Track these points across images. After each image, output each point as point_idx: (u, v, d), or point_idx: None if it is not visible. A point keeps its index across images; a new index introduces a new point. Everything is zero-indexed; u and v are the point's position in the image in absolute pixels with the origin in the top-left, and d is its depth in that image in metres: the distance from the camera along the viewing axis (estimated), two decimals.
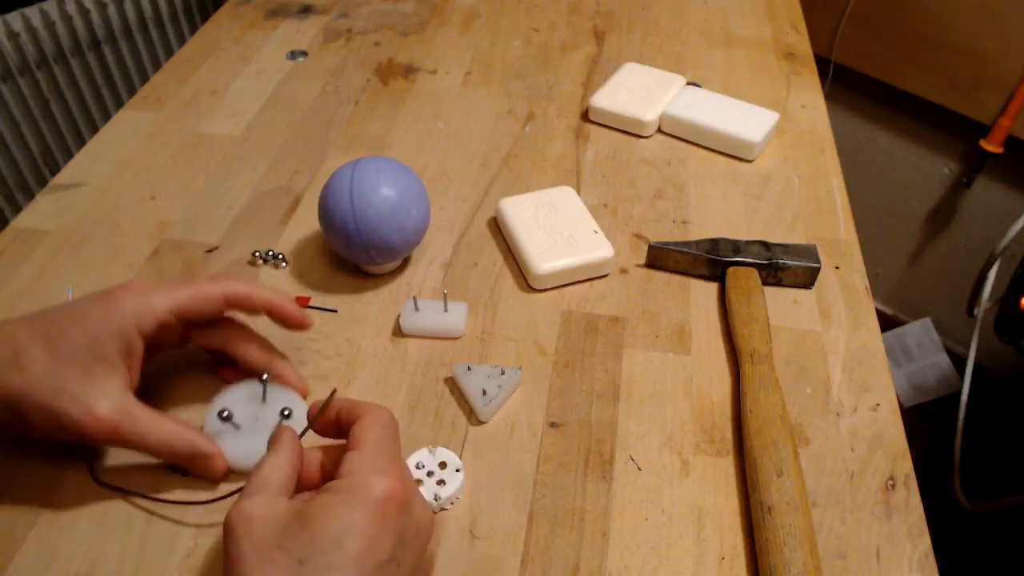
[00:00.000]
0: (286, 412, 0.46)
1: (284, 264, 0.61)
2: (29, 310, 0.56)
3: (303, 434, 0.45)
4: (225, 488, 0.46)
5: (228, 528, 0.34)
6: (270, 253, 0.61)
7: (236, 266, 0.61)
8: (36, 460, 0.48)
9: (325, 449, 0.40)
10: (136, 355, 0.44)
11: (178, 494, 0.46)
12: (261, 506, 0.34)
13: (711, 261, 0.60)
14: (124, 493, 0.46)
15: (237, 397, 0.49)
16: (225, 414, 0.45)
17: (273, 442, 0.39)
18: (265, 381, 0.46)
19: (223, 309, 0.47)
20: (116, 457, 0.48)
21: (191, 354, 0.54)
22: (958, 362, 1.64)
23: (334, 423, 0.40)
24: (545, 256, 0.59)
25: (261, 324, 0.53)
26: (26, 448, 0.48)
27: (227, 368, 0.51)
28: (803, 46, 0.90)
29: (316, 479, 0.40)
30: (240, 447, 0.46)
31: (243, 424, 0.47)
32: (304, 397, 0.49)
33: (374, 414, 0.39)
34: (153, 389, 0.52)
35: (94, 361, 0.42)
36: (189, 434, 0.44)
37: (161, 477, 0.47)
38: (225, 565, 0.34)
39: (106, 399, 0.42)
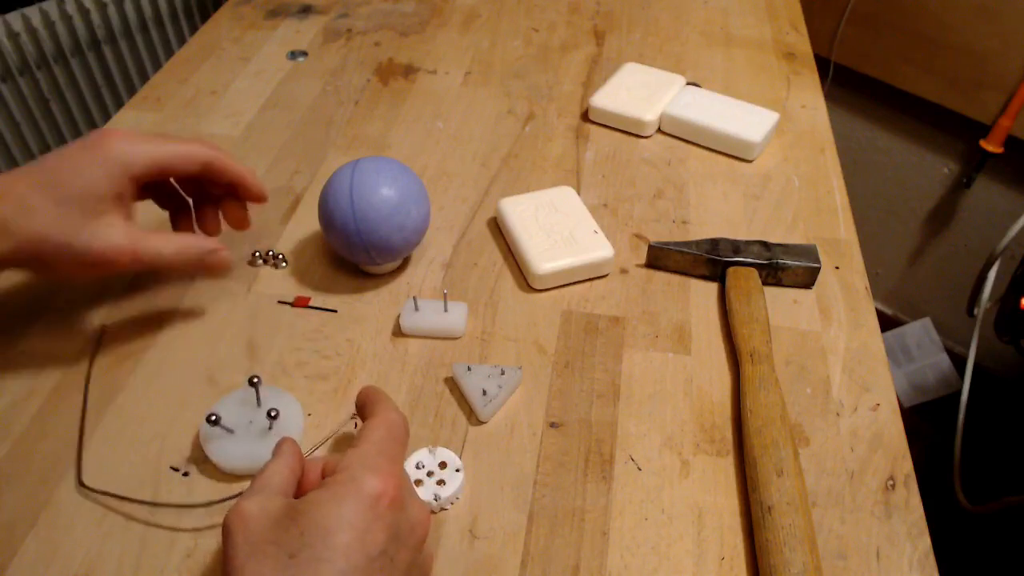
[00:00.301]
0: (272, 414, 0.46)
1: (284, 264, 0.61)
2: (30, 310, 0.57)
3: (314, 451, 0.47)
4: (222, 493, 0.46)
5: (225, 528, 0.34)
6: (270, 253, 0.61)
7: (236, 266, 0.61)
8: (36, 460, 0.48)
9: (330, 457, 0.41)
10: (128, 196, 0.49)
11: (176, 497, 0.46)
12: (256, 504, 0.35)
13: (711, 261, 0.60)
14: (115, 498, 0.46)
15: (230, 403, 0.49)
16: (213, 418, 0.45)
17: (275, 450, 0.40)
18: (257, 385, 0.46)
19: (199, 172, 0.51)
20: (114, 458, 0.48)
21: (186, 358, 0.54)
22: (958, 362, 1.64)
23: (362, 408, 0.43)
24: (545, 256, 0.59)
25: (260, 330, 0.53)
26: (26, 448, 0.48)
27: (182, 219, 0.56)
28: (803, 46, 0.90)
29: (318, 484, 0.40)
30: (234, 451, 0.46)
31: (237, 429, 0.47)
32: (258, 200, 0.55)
33: (384, 415, 0.40)
34: (147, 396, 0.52)
35: (96, 202, 0.46)
36: (196, 238, 0.52)
37: (161, 477, 0.47)
38: (222, 564, 0.34)
39: (117, 231, 0.47)
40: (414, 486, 0.42)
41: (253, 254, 0.61)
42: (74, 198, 0.46)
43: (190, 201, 0.56)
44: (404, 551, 0.36)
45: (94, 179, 0.47)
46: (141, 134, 0.49)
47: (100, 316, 0.56)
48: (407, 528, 0.36)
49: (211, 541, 0.44)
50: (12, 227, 0.45)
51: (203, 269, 0.54)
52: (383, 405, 0.42)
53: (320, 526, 0.33)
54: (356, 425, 0.45)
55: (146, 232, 0.49)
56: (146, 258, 0.49)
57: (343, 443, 0.49)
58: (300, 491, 0.39)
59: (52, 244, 0.46)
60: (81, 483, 0.46)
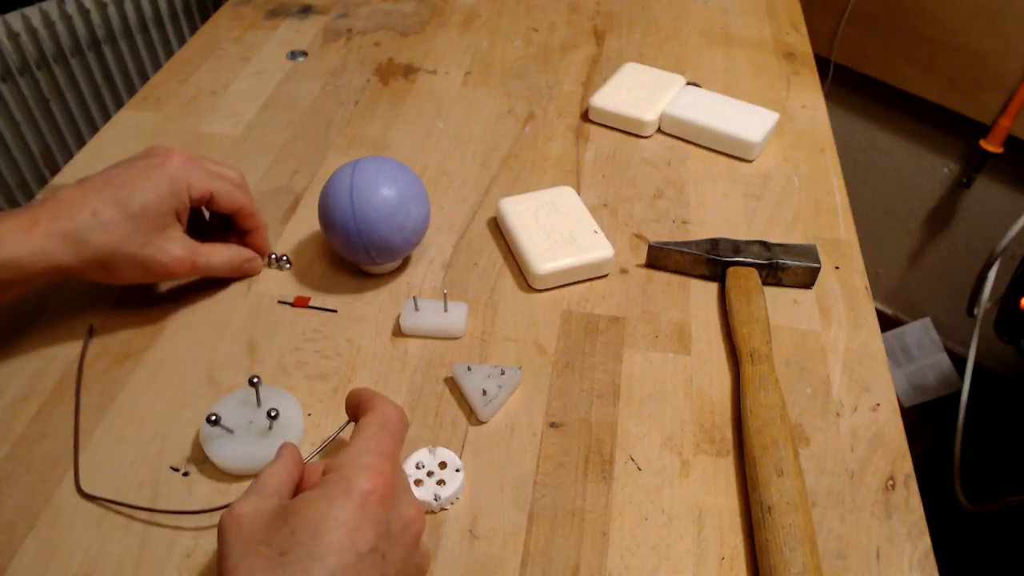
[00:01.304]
0: (272, 414, 0.46)
1: (288, 265, 0.61)
2: (30, 309, 0.57)
3: (315, 455, 0.47)
4: (222, 493, 0.46)
5: (219, 529, 0.35)
6: (272, 256, 0.61)
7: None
8: (36, 460, 0.48)
9: (330, 460, 0.41)
10: (185, 211, 0.53)
11: (176, 499, 0.46)
12: (250, 506, 0.35)
13: (711, 261, 0.60)
14: (113, 505, 0.46)
15: (230, 403, 0.49)
16: (213, 418, 0.45)
17: (276, 454, 0.41)
18: (257, 385, 0.46)
19: (229, 211, 0.56)
20: (114, 458, 0.48)
21: (186, 358, 0.54)
22: (958, 362, 1.64)
23: (352, 410, 0.43)
24: (545, 256, 0.59)
25: (260, 330, 0.53)
26: (26, 448, 0.48)
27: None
28: (803, 46, 0.90)
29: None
30: (234, 451, 0.46)
31: (237, 429, 0.47)
32: (262, 254, 0.60)
33: (379, 410, 0.40)
34: (147, 396, 0.52)
35: (162, 217, 0.51)
36: (238, 248, 0.58)
37: (161, 477, 0.47)
38: (217, 565, 0.34)
39: (178, 243, 0.52)
40: (411, 484, 0.42)
41: (269, 256, 0.61)
42: (143, 214, 0.50)
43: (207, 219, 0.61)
44: (396, 548, 0.36)
45: (160, 196, 0.51)
46: (198, 159, 0.54)
47: (100, 316, 0.56)
48: (399, 525, 0.36)
49: (211, 541, 0.44)
50: (88, 238, 0.49)
51: (241, 274, 0.59)
52: (377, 399, 0.42)
53: (310, 524, 0.33)
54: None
55: (200, 244, 0.54)
56: (201, 268, 0.55)
57: (342, 447, 0.49)
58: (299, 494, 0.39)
59: (122, 255, 0.50)
60: (80, 491, 0.46)
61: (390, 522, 0.36)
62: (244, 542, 0.34)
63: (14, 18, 1.13)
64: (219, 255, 0.56)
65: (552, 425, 0.51)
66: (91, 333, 0.55)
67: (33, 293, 0.58)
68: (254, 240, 0.59)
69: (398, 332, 0.56)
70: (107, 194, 0.50)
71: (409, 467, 0.46)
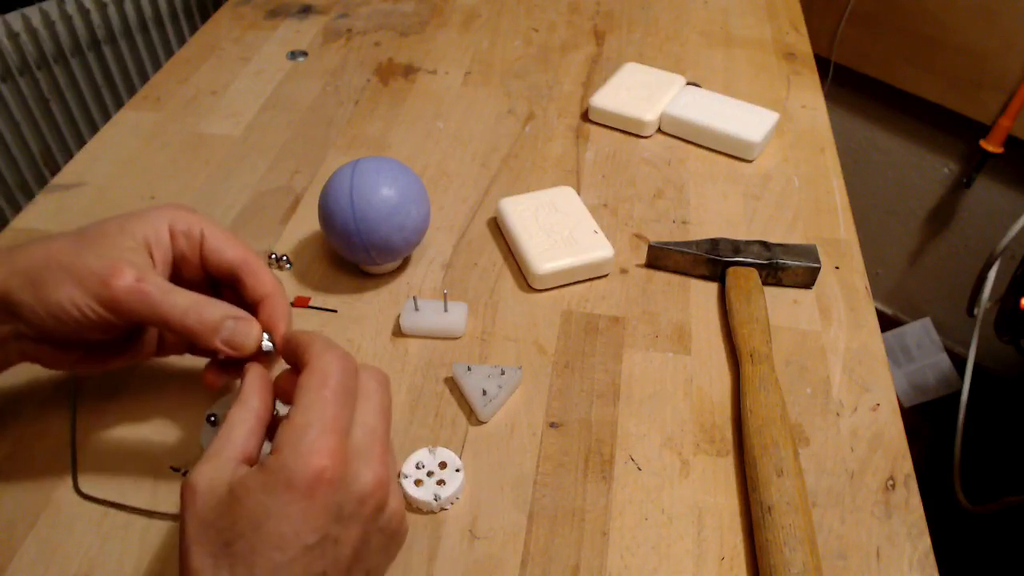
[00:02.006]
0: (275, 414, 0.46)
1: (288, 266, 0.61)
2: None
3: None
4: None
5: (180, 496, 0.34)
6: (272, 255, 0.61)
7: None
8: (37, 460, 0.48)
9: (278, 431, 0.36)
10: (161, 247, 0.41)
11: (176, 499, 0.46)
12: (205, 478, 0.33)
13: (711, 261, 0.60)
14: (112, 506, 0.46)
15: (230, 403, 0.49)
16: (213, 418, 0.44)
17: (242, 388, 0.37)
18: None
19: (235, 266, 0.43)
20: (114, 458, 0.48)
21: (186, 358, 0.54)
22: (958, 362, 1.64)
23: (291, 359, 0.38)
24: (545, 256, 0.59)
25: None
26: (26, 448, 0.48)
27: (211, 369, 0.44)
28: (803, 46, 0.90)
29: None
30: None
31: None
32: (271, 330, 0.43)
33: (319, 364, 0.35)
34: (145, 399, 0.52)
35: (120, 235, 0.40)
36: (221, 302, 0.41)
37: (161, 477, 0.47)
38: (179, 534, 0.34)
39: (131, 263, 0.39)
40: (370, 442, 0.35)
41: (269, 256, 0.61)
42: (99, 232, 0.41)
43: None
44: (353, 526, 0.34)
45: (126, 218, 0.41)
46: (195, 210, 0.44)
47: None
48: (355, 502, 0.33)
49: None
50: (24, 248, 0.40)
51: (226, 343, 0.40)
52: (314, 347, 0.36)
53: (250, 516, 0.32)
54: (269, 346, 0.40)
55: (165, 281, 0.40)
56: (151, 306, 0.39)
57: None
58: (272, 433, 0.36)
59: (55, 265, 0.39)
60: (79, 491, 0.46)
61: (342, 503, 0.33)
62: (197, 520, 0.32)
63: (14, 18, 1.14)
64: (187, 298, 0.39)
65: (552, 425, 0.51)
66: None
67: None
68: (266, 309, 0.43)
69: (398, 332, 0.56)
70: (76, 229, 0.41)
71: (409, 467, 0.46)
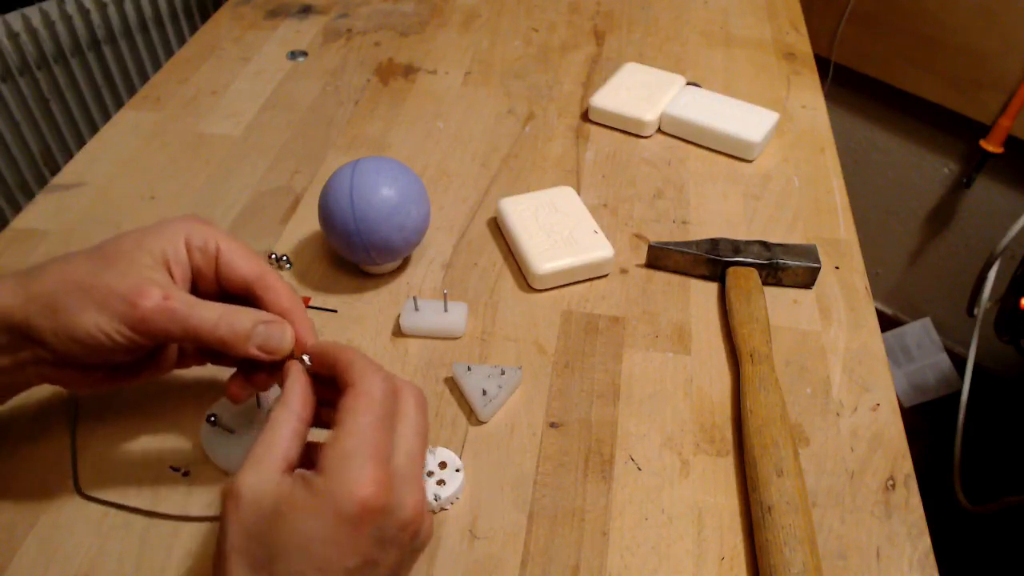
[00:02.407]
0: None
1: (288, 266, 0.61)
2: None
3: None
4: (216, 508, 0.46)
5: (222, 499, 0.34)
6: (272, 255, 0.61)
7: None
8: (37, 460, 0.48)
9: (322, 453, 0.37)
10: (181, 262, 0.40)
11: (176, 499, 0.46)
12: (249, 485, 0.33)
13: (711, 261, 0.60)
14: (112, 506, 0.46)
15: (230, 403, 0.49)
16: (213, 418, 0.45)
17: (284, 390, 0.37)
18: None
19: (251, 281, 0.42)
20: (114, 458, 0.48)
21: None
22: (958, 362, 1.64)
23: (332, 373, 0.37)
24: (545, 256, 0.59)
25: None
26: (26, 448, 0.48)
27: (236, 382, 0.43)
28: (803, 46, 0.90)
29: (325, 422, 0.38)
30: (234, 451, 0.46)
31: (237, 429, 0.47)
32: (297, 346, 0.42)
33: (364, 386, 0.35)
34: (146, 400, 0.52)
35: (138, 252, 0.39)
36: (249, 309, 0.40)
37: (161, 477, 0.47)
38: (218, 536, 0.33)
39: (154, 281, 0.38)
40: (411, 468, 0.36)
41: (269, 256, 0.61)
42: (115, 250, 0.39)
43: None
44: (393, 550, 0.34)
45: (142, 233, 0.40)
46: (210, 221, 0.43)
47: None
48: (396, 527, 0.34)
49: (211, 541, 0.44)
50: (41, 271, 0.39)
51: (262, 348, 0.40)
52: (357, 367, 0.36)
53: (296, 537, 0.32)
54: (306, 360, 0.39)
55: (188, 294, 0.40)
56: (180, 320, 0.38)
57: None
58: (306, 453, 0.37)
59: (73, 284, 0.38)
60: (79, 491, 0.46)
61: (385, 529, 0.33)
62: (240, 529, 0.33)
63: (14, 18, 1.13)
64: (215, 309, 0.39)
65: (552, 425, 0.51)
66: None
67: None
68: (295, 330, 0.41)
69: (398, 332, 0.56)
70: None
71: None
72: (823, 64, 1.49)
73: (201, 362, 0.47)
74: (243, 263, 0.42)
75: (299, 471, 0.34)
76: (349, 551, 0.32)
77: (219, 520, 0.34)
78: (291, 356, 0.40)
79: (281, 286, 0.42)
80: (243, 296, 0.42)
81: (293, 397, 0.37)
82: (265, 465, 0.34)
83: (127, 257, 0.39)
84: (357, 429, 0.34)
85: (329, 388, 0.38)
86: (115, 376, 0.43)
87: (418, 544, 0.36)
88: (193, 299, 0.39)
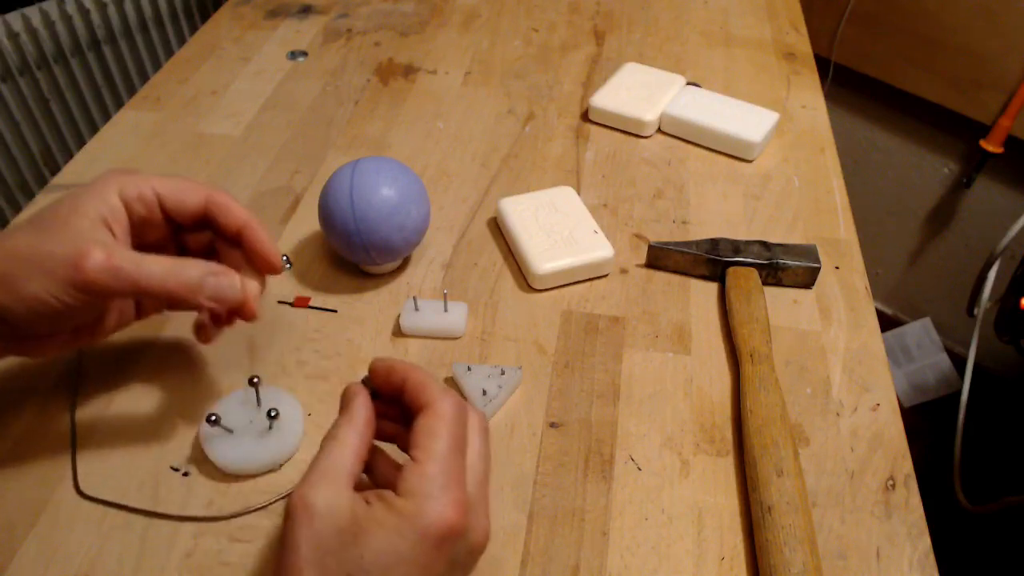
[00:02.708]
0: (272, 414, 0.46)
1: (288, 266, 0.61)
2: None
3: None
4: (222, 492, 0.46)
5: (290, 516, 0.33)
6: None
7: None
8: (36, 460, 0.48)
9: (401, 474, 0.37)
10: (119, 220, 0.41)
11: (176, 499, 0.46)
12: (324, 500, 0.33)
13: (711, 261, 0.60)
14: (112, 506, 0.46)
15: (230, 403, 0.49)
16: (213, 418, 0.45)
17: (344, 408, 0.37)
18: (257, 385, 0.46)
19: (202, 210, 0.43)
20: (114, 458, 0.48)
21: (186, 358, 0.54)
22: (958, 362, 1.64)
23: (398, 390, 0.38)
24: (545, 256, 0.59)
25: (260, 330, 0.53)
26: (26, 448, 0.48)
27: (203, 328, 0.46)
28: (803, 46, 0.90)
29: (387, 435, 0.39)
30: (234, 451, 0.46)
31: (237, 429, 0.47)
32: (273, 270, 0.45)
33: (441, 408, 0.36)
34: (145, 399, 0.52)
35: (75, 216, 0.39)
36: (196, 261, 0.41)
37: (161, 477, 0.47)
38: (282, 548, 0.33)
39: (96, 241, 0.39)
40: (481, 493, 0.37)
41: None
42: (52, 217, 0.40)
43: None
44: (460, 572, 0.35)
45: (75, 198, 0.40)
46: (141, 170, 0.43)
47: None
48: (467, 551, 0.35)
49: (211, 541, 0.44)
50: None
51: (212, 298, 0.41)
52: (433, 389, 0.37)
53: (381, 557, 0.32)
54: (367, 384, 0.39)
55: (133, 251, 0.40)
56: (128, 278, 0.39)
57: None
58: (371, 468, 0.37)
59: (19, 256, 0.38)
60: (79, 491, 0.46)
61: (459, 552, 0.35)
62: (314, 546, 0.32)
63: (14, 18, 1.13)
64: (162, 263, 0.39)
65: (552, 425, 0.51)
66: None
67: None
68: (248, 239, 0.44)
69: (398, 332, 0.56)
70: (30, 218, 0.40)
71: None
72: (823, 64, 1.49)
73: (160, 310, 0.49)
74: (187, 197, 0.42)
75: (376, 491, 0.35)
76: (427, 572, 0.33)
77: (285, 532, 0.33)
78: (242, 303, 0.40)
79: (231, 204, 0.43)
80: (203, 226, 0.44)
81: (359, 416, 0.37)
82: (336, 480, 0.34)
83: (64, 222, 0.39)
84: (439, 454, 0.35)
85: (389, 404, 0.39)
86: (79, 336, 0.44)
87: (476, 563, 0.37)
88: (137, 255, 0.39)
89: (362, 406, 0.37)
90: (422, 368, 0.38)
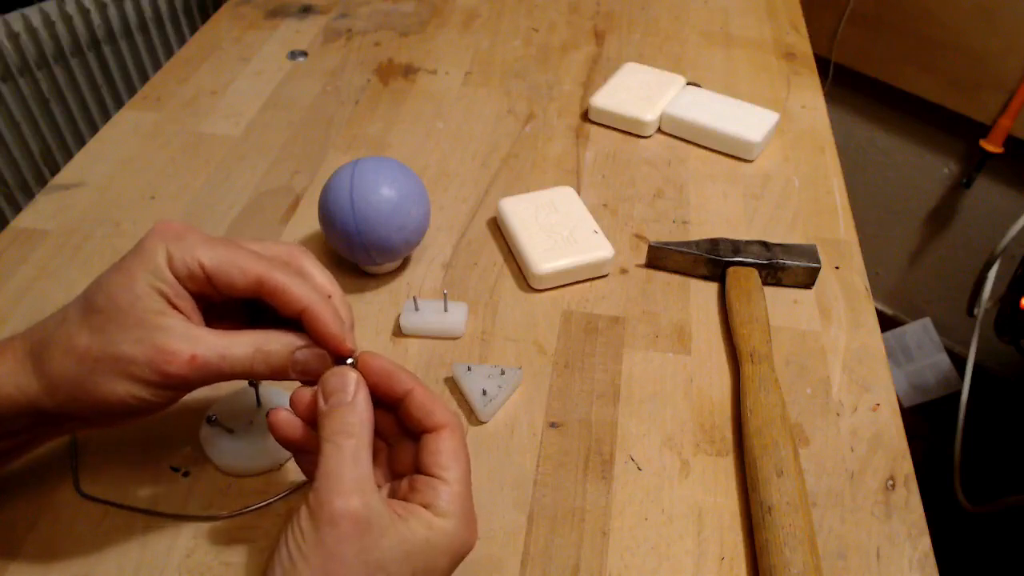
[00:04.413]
0: None
1: None
2: (29, 310, 0.57)
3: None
4: (222, 493, 0.46)
5: (335, 521, 0.32)
6: None
7: None
8: (37, 460, 0.48)
9: (427, 494, 0.36)
10: (179, 294, 0.37)
11: (176, 499, 0.46)
12: (366, 510, 0.32)
13: (711, 261, 0.60)
14: (112, 506, 0.46)
15: (230, 403, 0.49)
16: (213, 418, 0.45)
17: (342, 400, 0.35)
18: (257, 385, 0.46)
19: (254, 290, 0.38)
20: (114, 458, 0.48)
21: None
22: (958, 362, 1.64)
23: (395, 401, 0.37)
24: (545, 256, 0.59)
25: None
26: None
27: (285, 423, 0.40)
28: (803, 46, 0.90)
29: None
30: (234, 451, 0.46)
31: (237, 429, 0.47)
32: (343, 354, 0.39)
33: (459, 431, 0.37)
34: None
35: (137, 303, 0.36)
36: (279, 334, 0.38)
37: (161, 477, 0.47)
38: (319, 555, 0.32)
39: (170, 336, 0.35)
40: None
41: None
42: (110, 304, 0.36)
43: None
44: None
45: (130, 278, 0.36)
46: (191, 227, 0.38)
47: None
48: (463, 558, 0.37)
49: (210, 541, 0.44)
50: (51, 348, 0.36)
51: (299, 373, 0.38)
52: (442, 410, 0.37)
53: (429, 572, 0.34)
54: (352, 361, 0.38)
55: (209, 330, 0.37)
56: (211, 365, 0.36)
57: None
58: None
59: (91, 359, 0.35)
60: (79, 491, 0.46)
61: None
62: (363, 560, 0.32)
63: (14, 18, 1.13)
64: (242, 343, 0.37)
65: (552, 425, 0.51)
66: None
67: (34, 291, 0.58)
68: (309, 323, 0.38)
69: (398, 332, 0.56)
70: (82, 294, 0.37)
71: None
72: (823, 64, 1.49)
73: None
74: (235, 277, 0.37)
75: (402, 504, 0.35)
76: None
77: (324, 543, 0.32)
78: (342, 360, 0.38)
79: (288, 285, 0.37)
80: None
81: (366, 412, 0.35)
82: (370, 488, 0.33)
83: (127, 312, 0.35)
84: (465, 474, 0.36)
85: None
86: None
87: None
88: (220, 343, 0.36)
89: (367, 404, 0.36)
90: (420, 379, 0.38)
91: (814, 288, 0.60)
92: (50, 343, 0.36)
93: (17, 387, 0.36)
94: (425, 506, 0.35)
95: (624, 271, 0.62)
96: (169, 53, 1.37)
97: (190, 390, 0.38)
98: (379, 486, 0.38)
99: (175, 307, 0.36)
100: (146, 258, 0.36)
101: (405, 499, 0.36)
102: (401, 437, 0.39)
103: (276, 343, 0.37)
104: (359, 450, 0.34)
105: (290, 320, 0.38)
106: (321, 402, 0.36)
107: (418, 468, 0.36)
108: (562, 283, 0.60)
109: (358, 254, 0.56)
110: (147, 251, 0.37)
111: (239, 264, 0.37)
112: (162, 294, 0.36)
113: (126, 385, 0.35)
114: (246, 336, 0.37)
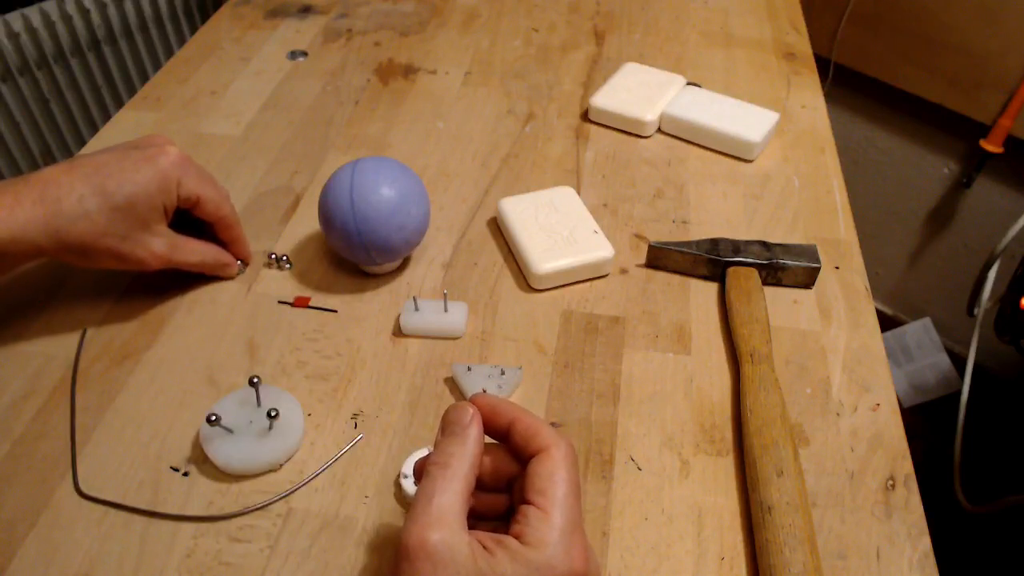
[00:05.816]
0: (272, 414, 0.46)
1: (289, 266, 0.61)
2: (30, 309, 0.57)
3: (320, 472, 0.44)
4: (222, 493, 0.46)
5: (408, 554, 0.32)
6: (272, 256, 0.61)
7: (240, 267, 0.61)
8: (36, 460, 0.48)
9: (493, 451, 0.37)
10: (172, 207, 0.53)
11: (176, 499, 0.46)
12: (445, 544, 0.32)
13: (711, 261, 0.60)
14: (112, 506, 0.46)
15: (230, 403, 0.49)
16: (213, 418, 0.45)
17: (454, 434, 0.36)
18: (257, 385, 0.46)
19: (217, 220, 0.56)
20: (114, 458, 0.48)
21: (186, 359, 0.54)
22: (958, 362, 1.64)
23: (503, 433, 0.37)
24: (545, 256, 0.59)
25: (260, 330, 0.53)
26: (26, 448, 0.48)
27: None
28: (803, 46, 0.90)
29: (486, 478, 0.37)
30: (234, 451, 0.46)
31: (237, 429, 0.47)
32: (244, 260, 0.60)
33: (560, 452, 0.35)
34: (147, 396, 0.52)
35: (148, 212, 0.51)
36: (217, 252, 0.58)
37: (161, 477, 0.47)
38: None
39: (160, 239, 0.52)
40: (587, 537, 0.36)
41: (269, 256, 0.61)
42: (128, 207, 0.50)
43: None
44: None
45: (149, 192, 0.50)
46: (191, 159, 0.54)
47: (100, 316, 0.56)
48: None
49: (210, 541, 0.44)
50: (69, 227, 0.48)
51: (213, 274, 0.59)
52: (547, 432, 0.36)
53: None
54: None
55: (181, 239, 0.54)
56: (173, 264, 0.54)
57: (351, 462, 0.49)
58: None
59: (102, 246, 0.50)
60: (79, 491, 0.46)
61: None
62: None
63: (14, 18, 1.13)
64: (196, 254, 0.56)
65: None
66: (84, 336, 0.55)
67: (34, 292, 0.58)
68: (235, 250, 0.59)
69: (398, 332, 0.56)
70: (96, 181, 0.49)
71: (409, 467, 0.46)
72: (823, 64, 1.49)
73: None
74: (212, 205, 0.55)
75: (494, 536, 0.34)
76: None
77: (396, 570, 0.32)
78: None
79: (230, 213, 0.57)
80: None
81: (474, 448, 0.35)
82: (454, 522, 0.33)
83: (139, 218, 0.51)
84: (562, 500, 0.34)
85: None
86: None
87: None
88: (184, 247, 0.55)
89: (477, 438, 0.36)
90: (527, 409, 0.37)
91: (814, 288, 0.60)
92: (71, 226, 0.48)
93: (31, 244, 0.48)
94: (516, 536, 0.33)
95: (624, 271, 0.62)
96: (169, 53, 1.37)
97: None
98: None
99: (166, 214, 0.53)
100: (165, 186, 0.51)
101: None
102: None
103: (222, 254, 0.59)
104: (451, 480, 0.34)
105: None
106: (438, 434, 0.37)
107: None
108: (562, 283, 0.60)
109: (358, 254, 0.56)
110: (168, 179, 0.51)
111: (216, 203, 0.55)
112: (165, 210, 0.52)
113: (114, 263, 0.52)
114: (198, 245, 0.56)
